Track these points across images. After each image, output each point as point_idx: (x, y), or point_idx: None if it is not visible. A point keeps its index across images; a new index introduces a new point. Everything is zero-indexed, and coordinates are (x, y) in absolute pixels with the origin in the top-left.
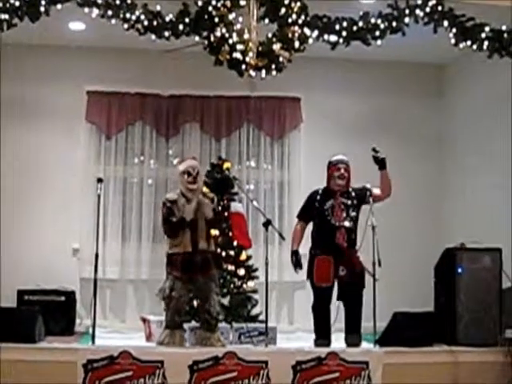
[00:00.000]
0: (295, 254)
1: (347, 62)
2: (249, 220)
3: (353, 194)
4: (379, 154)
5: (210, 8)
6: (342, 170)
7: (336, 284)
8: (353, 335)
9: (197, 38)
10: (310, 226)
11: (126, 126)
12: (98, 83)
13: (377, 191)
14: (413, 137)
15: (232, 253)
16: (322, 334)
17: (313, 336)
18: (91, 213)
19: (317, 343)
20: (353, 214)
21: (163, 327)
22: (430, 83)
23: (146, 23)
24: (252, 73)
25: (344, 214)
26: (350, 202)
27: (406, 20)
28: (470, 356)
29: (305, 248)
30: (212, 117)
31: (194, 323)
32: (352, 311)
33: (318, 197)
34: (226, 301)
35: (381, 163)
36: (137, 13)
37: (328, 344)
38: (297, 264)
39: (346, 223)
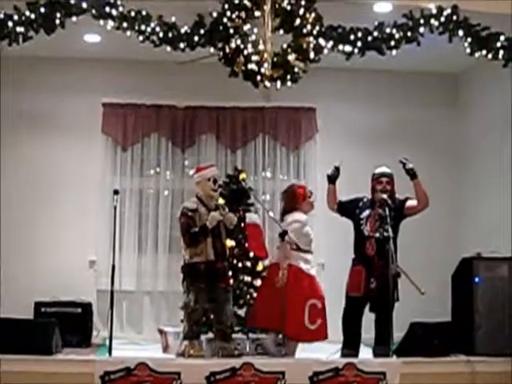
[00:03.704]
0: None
1: (362, 72)
2: (265, 231)
3: (393, 205)
4: (407, 164)
5: (225, 19)
6: (384, 183)
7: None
8: (380, 347)
9: (212, 50)
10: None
11: (142, 138)
12: (113, 95)
13: (413, 202)
14: (429, 146)
15: (248, 264)
16: (350, 345)
17: (329, 347)
18: (107, 225)
19: (343, 353)
20: (387, 225)
21: (181, 338)
22: (446, 93)
23: (161, 35)
24: (267, 84)
25: (377, 225)
26: (386, 214)
27: (421, 30)
28: (488, 366)
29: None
30: (228, 128)
31: (210, 334)
32: (380, 323)
33: (361, 204)
34: (242, 312)
35: (410, 173)
36: (152, 25)
37: (355, 355)
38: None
39: (377, 234)
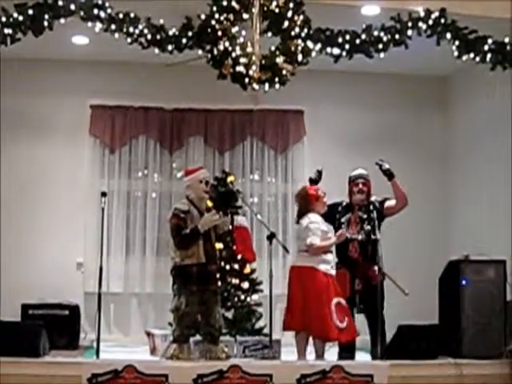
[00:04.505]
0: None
1: (350, 74)
2: (253, 233)
3: (371, 207)
4: (383, 165)
5: (213, 22)
6: (361, 185)
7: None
8: (376, 348)
9: (200, 52)
10: None
11: (130, 140)
12: (101, 97)
13: (391, 203)
14: (417, 149)
15: (236, 266)
16: (345, 348)
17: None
18: (95, 227)
19: (340, 356)
20: (368, 227)
21: (170, 341)
22: (433, 96)
23: (149, 37)
24: (255, 86)
25: (358, 228)
26: (366, 216)
27: (409, 32)
28: (475, 368)
29: None
30: (216, 130)
31: (197, 337)
32: (373, 325)
33: (340, 208)
34: (230, 314)
35: (387, 174)
36: (140, 27)
37: (352, 357)
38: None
39: (360, 236)
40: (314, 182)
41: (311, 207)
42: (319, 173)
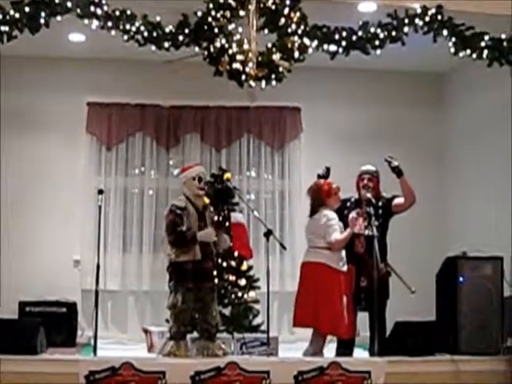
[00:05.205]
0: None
1: (347, 71)
2: (250, 230)
3: (380, 203)
4: (392, 162)
5: (210, 19)
6: (366, 181)
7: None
8: (375, 346)
9: (196, 49)
10: None
11: (127, 137)
12: (98, 94)
13: (399, 200)
14: (414, 146)
15: (233, 263)
16: (344, 344)
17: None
18: (92, 224)
19: (338, 352)
20: (375, 223)
21: (167, 338)
22: (430, 93)
23: (145, 34)
24: (252, 83)
25: (365, 223)
26: (374, 212)
27: (406, 29)
28: (472, 365)
29: None
30: (212, 127)
31: (194, 333)
32: (374, 322)
33: (348, 204)
34: (227, 311)
35: (396, 171)
36: (137, 24)
37: (349, 353)
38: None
39: (366, 232)
40: (322, 178)
41: (325, 202)
42: (327, 169)
